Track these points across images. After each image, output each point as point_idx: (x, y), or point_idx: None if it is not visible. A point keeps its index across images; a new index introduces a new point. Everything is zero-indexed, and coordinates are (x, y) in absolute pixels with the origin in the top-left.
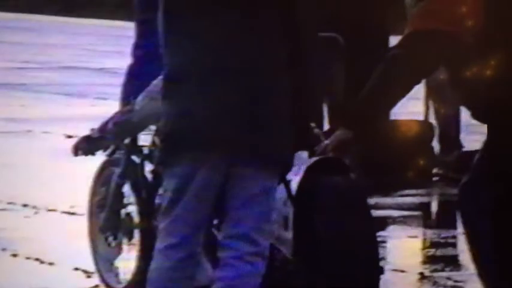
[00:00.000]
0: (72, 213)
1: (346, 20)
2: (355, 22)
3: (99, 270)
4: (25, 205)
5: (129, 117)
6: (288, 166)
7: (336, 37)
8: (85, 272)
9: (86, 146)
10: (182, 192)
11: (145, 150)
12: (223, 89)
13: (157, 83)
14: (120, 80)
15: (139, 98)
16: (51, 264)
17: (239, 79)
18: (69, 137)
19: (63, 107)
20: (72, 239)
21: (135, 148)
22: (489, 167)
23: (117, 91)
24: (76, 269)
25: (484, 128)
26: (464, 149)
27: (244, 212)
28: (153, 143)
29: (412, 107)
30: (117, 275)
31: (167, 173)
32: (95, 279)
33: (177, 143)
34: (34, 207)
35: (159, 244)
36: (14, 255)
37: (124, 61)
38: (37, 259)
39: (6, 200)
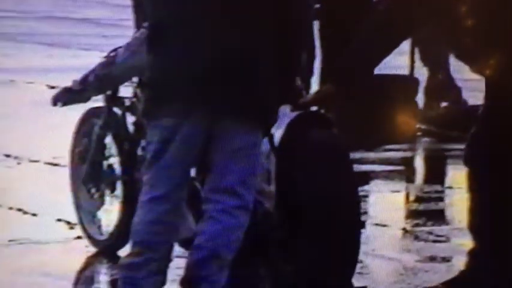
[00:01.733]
0: (55, 164)
1: None
2: None
3: (81, 222)
4: (7, 155)
5: (110, 70)
6: (272, 120)
7: None
8: (68, 223)
9: (66, 97)
10: (166, 144)
11: (127, 102)
12: (207, 43)
13: (139, 35)
14: (103, 30)
15: (121, 50)
16: (34, 215)
17: (223, 33)
18: (52, 87)
19: (46, 57)
20: (55, 190)
21: (116, 100)
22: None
23: (100, 42)
24: (59, 220)
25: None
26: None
27: (228, 165)
28: (135, 94)
29: (397, 61)
30: (99, 227)
31: (151, 125)
32: (78, 231)
33: (161, 95)
34: (16, 157)
35: (143, 196)
36: None
37: (107, 11)
38: (19, 209)
39: None
